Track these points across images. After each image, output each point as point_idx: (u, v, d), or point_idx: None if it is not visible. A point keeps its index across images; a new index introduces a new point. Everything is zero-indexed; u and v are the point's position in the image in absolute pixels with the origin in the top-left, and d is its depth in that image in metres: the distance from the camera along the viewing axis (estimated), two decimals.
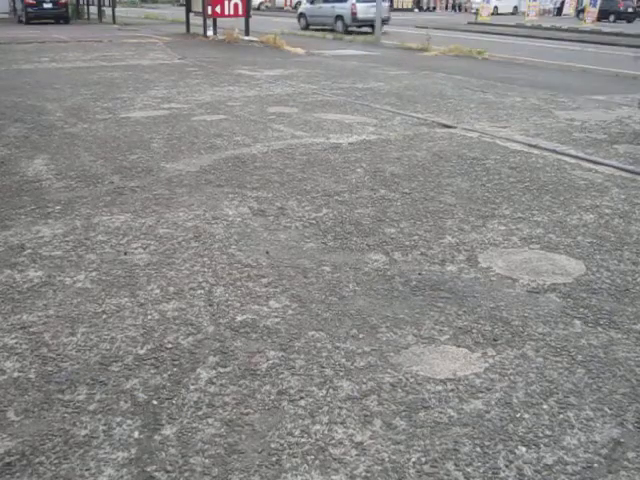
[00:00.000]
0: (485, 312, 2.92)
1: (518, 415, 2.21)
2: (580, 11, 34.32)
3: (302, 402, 2.25)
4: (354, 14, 21.86)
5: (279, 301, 2.95)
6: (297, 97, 8.33)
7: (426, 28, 22.98)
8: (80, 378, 2.36)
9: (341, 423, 2.15)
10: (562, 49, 17.73)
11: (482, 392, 2.34)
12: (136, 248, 3.52)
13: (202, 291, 3.03)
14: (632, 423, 2.18)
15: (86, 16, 28.35)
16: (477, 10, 32.17)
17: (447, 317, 2.84)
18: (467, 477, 1.93)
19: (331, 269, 3.30)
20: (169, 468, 1.94)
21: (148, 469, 1.93)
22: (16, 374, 2.38)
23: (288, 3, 42.03)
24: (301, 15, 24.96)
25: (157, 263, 3.32)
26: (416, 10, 45.53)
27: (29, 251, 3.46)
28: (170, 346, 2.57)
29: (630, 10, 35.81)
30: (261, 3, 42.35)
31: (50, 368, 2.42)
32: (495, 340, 2.69)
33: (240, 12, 17.59)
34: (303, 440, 2.07)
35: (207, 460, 1.97)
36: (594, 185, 4.92)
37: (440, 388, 2.35)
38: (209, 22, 17.91)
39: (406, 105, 8.02)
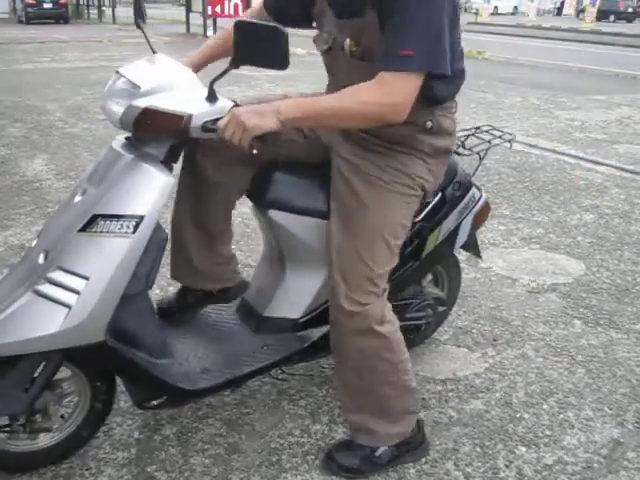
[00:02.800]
0: (485, 312, 2.91)
1: (518, 415, 2.21)
2: (580, 11, 34.34)
3: (302, 402, 2.25)
4: None
5: None
6: None
7: None
8: None
9: (341, 423, 2.14)
10: (562, 49, 17.73)
11: (482, 392, 2.34)
12: None
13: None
14: (632, 423, 2.18)
15: (86, 16, 28.36)
16: (477, 10, 32.17)
17: (447, 317, 2.83)
18: (467, 477, 1.93)
19: None
20: (169, 468, 1.93)
21: (148, 469, 1.93)
22: None
23: None
24: None
25: None
26: None
27: None
28: None
29: (630, 10, 35.82)
30: None
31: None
32: (495, 340, 2.69)
33: (240, 12, 17.59)
34: (303, 440, 2.07)
35: (207, 460, 1.97)
36: (594, 185, 4.92)
37: (440, 388, 2.35)
38: (209, 22, 17.89)
39: None
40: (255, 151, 1.61)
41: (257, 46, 1.46)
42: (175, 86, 1.63)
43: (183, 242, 2.04)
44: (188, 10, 19.85)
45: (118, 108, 1.63)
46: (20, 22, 25.09)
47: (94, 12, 28.12)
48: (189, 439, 2.06)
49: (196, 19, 19.10)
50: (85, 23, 26.14)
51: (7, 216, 3.97)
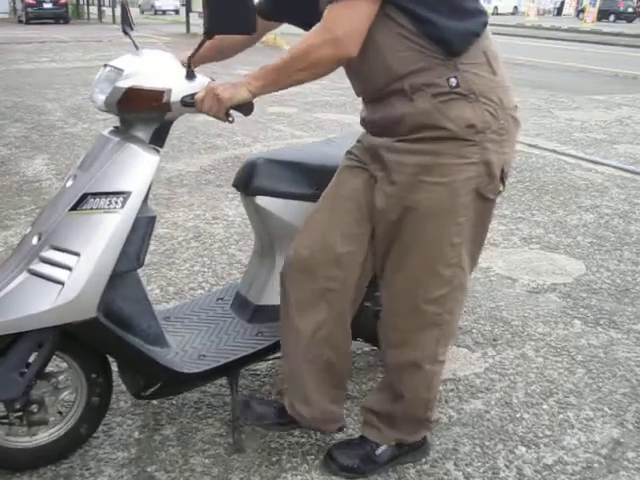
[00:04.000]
0: (485, 312, 2.91)
1: (518, 415, 2.21)
2: (580, 11, 34.33)
3: None
4: None
5: None
6: (296, 97, 8.33)
7: None
8: None
9: None
10: (562, 49, 17.73)
11: (482, 392, 2.34)
12: None
13: (202, 291, 3.03)
14: (632, 423, 2.18)
15: (86, 16, 28.37)
16: None
17: None
18: (467, 477, 1.92)
19: None
20: (169, 468, 1.93)
21: (148, 469, 1.93)
22: None
23: None
24: None
25: (157, 263, 3.31)
26: None
27: None
28: None
29: (630, 10, 35.82)
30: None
31: (51, 368, 2.41)
32: (495, 340, 2.69)
33: None
34: (303, 440, 2.06)
35: (207, 460, 1.97)
36: (594, 185, 4.92)
37: (440, 388, 2.35)
38: None
39: None
40: (231, 119, 1.67)
41: (226, 15, 1.54)
42: (156, 68, 1.71)
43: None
44: (188, 10, 19.86)
45: (103, 94, 1.72)
46: (20, 22, 25.11)
47: (94, 12, 28.11)
48: (189, 439, 2.06)
49: (196, 19, 19.11)
50: (85, 23, 26.16)
51: (7, 216, 3.97)
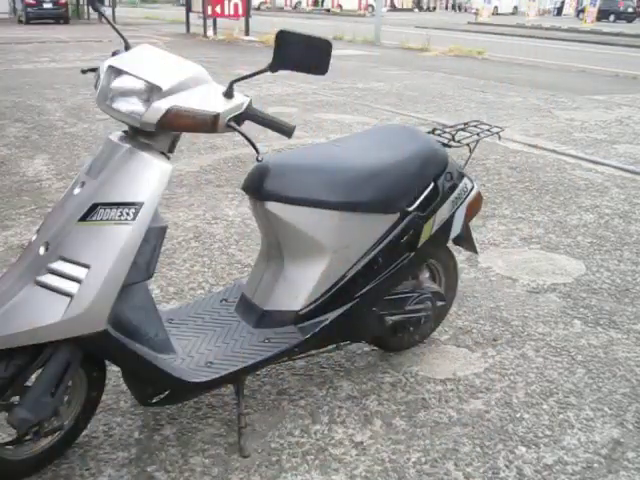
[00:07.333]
0: (485, 312, 2.91)
1: (518, 415, 2.21)
2: (580, 11, 34.32)
3: (302, 402, 2.25)
4: None
5: None
6: (297, 97, 8.33)
7: (426, 28, 22.97)
8: None
9: (341, 423, 2.15)
10: (562, 49, 17.72)
11: (482, 392, 2.34)
12: None
13: (202, 291, 3.03)
14: (632, 423, 2.18)
15: (86, 16, 28.34)
16: (477, 10, 32.16)
17: (447, 317, 2.83)
18: (467, 477, 1.93)
19: None
20: (169, 468, 1.93)
21: (148, 469, 1.93)
22: None
23: (288, 3, 42.02)
24: None
25: None
26: (416, 10, 45.63)
27: None
28: None
29: (630, 10, 35.82)
30: (261, 3, 42.30)
31: None
32: (495, 340, 2.69)
33: (240, 12, 17.59)
34: (303, 440, 2.07)
35: (207, 460, 1.97)
36: (594, 185, 4.92)
37: (440, 388, 2.35)
38: (209, 22, 17.89)
39: (406, 105, 8.02)
40: None
41: (298, 54, 1.55)
42: (192, 83, 1.67)
43: None
44: (188, 10, 19.85)
45: (134, 107, 1.65)
46: (20, 22, 25.07)
47: (94, 12, 28.06)
48: (189, 439, 2.06)
49: (196, 19, 19.10)
50: (85, 23, 26.11)
51: (7, 216, 3.97)
